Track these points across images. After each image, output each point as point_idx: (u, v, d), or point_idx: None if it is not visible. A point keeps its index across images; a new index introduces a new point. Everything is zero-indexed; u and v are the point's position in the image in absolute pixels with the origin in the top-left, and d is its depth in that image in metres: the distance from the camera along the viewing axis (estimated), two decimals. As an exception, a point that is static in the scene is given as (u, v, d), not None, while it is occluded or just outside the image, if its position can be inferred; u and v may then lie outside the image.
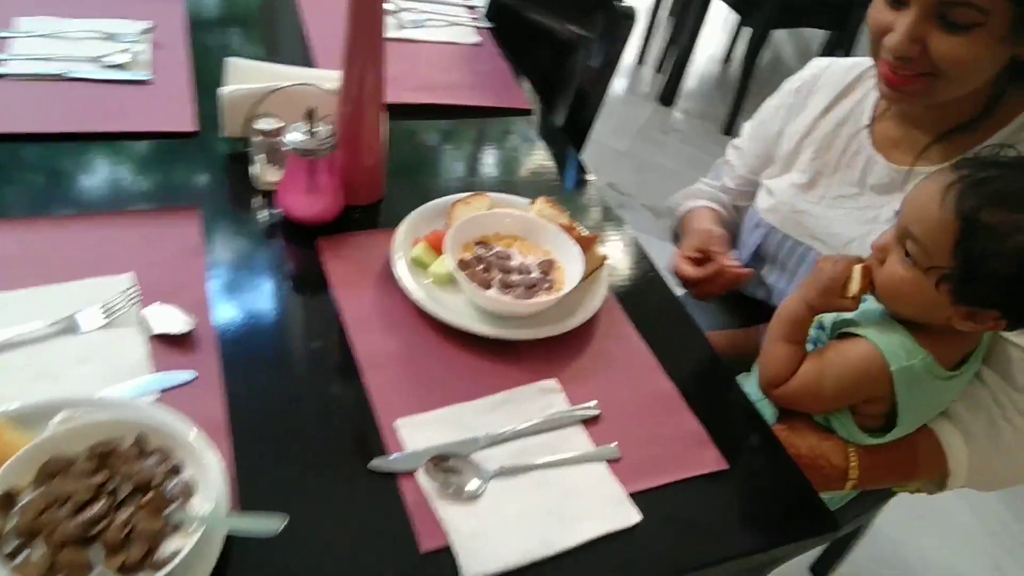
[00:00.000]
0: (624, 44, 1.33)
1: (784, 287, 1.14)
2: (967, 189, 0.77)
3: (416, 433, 0.77)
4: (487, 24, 1.50)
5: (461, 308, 0.91)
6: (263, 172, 1.01)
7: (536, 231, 0.98)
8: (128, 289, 0.84)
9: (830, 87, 1.11)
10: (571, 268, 0.93)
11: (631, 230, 1.13)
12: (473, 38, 1.46)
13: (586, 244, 0.95)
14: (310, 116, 0.92)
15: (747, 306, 1.26)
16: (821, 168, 1.09)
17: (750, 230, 1.17)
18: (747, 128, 1.24)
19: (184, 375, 0.77)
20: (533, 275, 0.93)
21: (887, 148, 1.04)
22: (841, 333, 0.92)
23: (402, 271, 0.92)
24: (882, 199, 1.03)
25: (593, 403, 0.84)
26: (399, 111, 1.20)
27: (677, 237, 1.27)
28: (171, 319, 0.81)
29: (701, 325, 1.02)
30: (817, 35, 3.92)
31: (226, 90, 1.02)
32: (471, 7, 1.55)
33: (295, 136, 0.92)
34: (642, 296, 1.01)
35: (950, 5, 0.84)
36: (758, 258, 1.17)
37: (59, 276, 0.85)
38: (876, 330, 0.88)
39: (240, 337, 0.84)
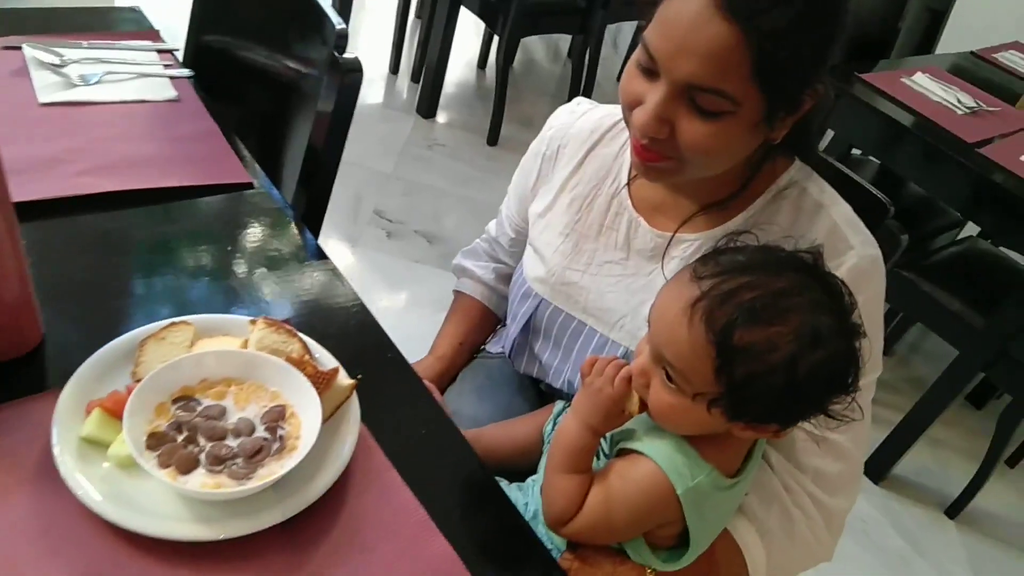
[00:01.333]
0: (355, 94, 1.14)
1: (560, 366, 1.02)
2: (714, 308, 0.68)
3: None
4: (186, 73, 1.24)
5: (162, 501, 0.68)
6: None
7: (257, 368, 0.76)
8: None
9: (580, 144, 1.00)
10: (307, 415, 0.73)
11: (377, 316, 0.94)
12: (168, 92, 1.19)
13: (324, 381, 0.75)
14: None
15: (521, 384, 1.14)
16: (584, 231, 0.98)
17: (519, 300, 1.04)
18: (511, 183, 1.12)
19: None
20: (257, 435, 0.72)
21: (648, 211, 0.94)
22: (621, 449, 0.80)
23: (67, 460, 0.67)
24: (650, 265, 0.94)
25: (352, 602, 0.65)
26: (65, 206, 0.93)
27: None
28: None
29: (471, 412, 0.86)
30: (567, 36, 3.97)
31: None
32: (164, 51, 1.28)
33: None
34: (395, 411, 0.83)
35: (699, 90, 0.74)
36: (530, 331, 1.04)
37: None
38: (656, 443, 0.77)
39: None
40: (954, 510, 2.13)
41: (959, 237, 2.44)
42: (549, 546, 0.83)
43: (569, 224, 0.99)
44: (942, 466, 2.28)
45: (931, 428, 2.26)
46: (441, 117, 3.21)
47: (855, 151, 2.63)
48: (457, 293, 1.20)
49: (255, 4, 1.34)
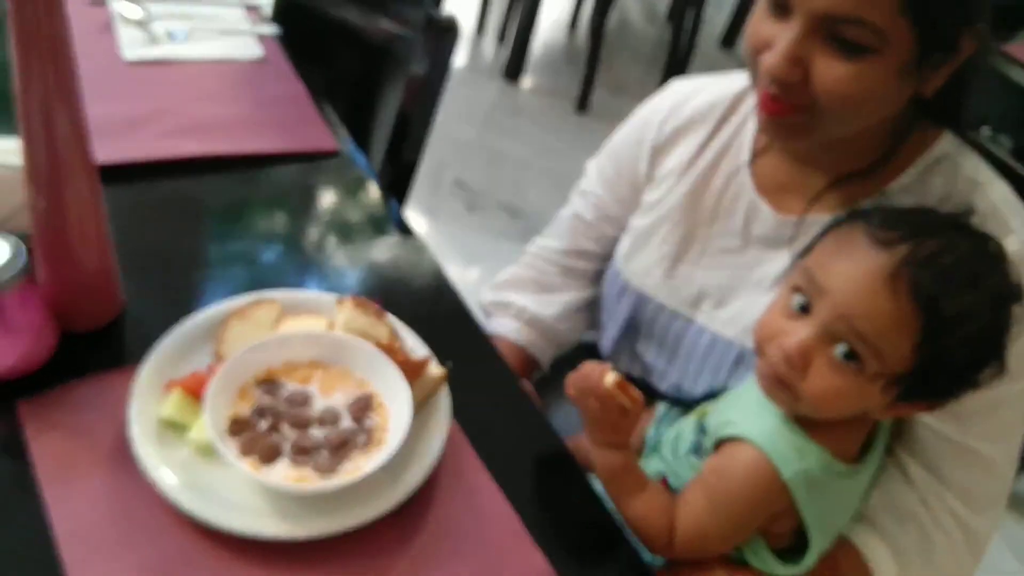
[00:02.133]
0: (450, 57, 1.06)
1: (665, 366, 0.92)
2: (919, 273, 0.61)
3: None
4: (274, 30, 1.18)
5: (242, 492, 0.63)
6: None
7: (344, 352, 0.71)
8: None
9: (701, 121, 0.89)
10: (396, 407, 0.67)
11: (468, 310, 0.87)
12: (255, 51, 1.14)
13: (414, 370, 0.69)
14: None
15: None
16: (697, 217, 0.88)
17: (615, 297, 0.94)
18: (595, 170, 0.98)
19: None
20: (342, 425, 0.66)
21: (772, 192, 0.84)
22: (720, 441, 0.72)
23: (143, 442, 0.63)
24: (769, 254, 0.84)
25: (440, 618, 0.60)
26: (146, 169, 0.89)
27: None
28: None
29: (568, 423, 0.80)
30: (663, -3, 3.79)
31: None
32: (251, 7, 1.23)
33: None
34: (491, 410, 0.76)
35: (839, 22, 0.65)
36: (631, 329, 0.94)
37: None
38: (755, 425, 0.70)
39: None
40: (1077, 529, 1.96)
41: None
42: (650, 557, 0.76)
43: (681, 210, 0.89)
44: (1061, 477, 2.09)
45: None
46: (527, 82, 3.11)
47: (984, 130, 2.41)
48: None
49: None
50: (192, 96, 1.02)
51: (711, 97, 0.89)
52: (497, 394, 0.79)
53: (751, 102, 0.85)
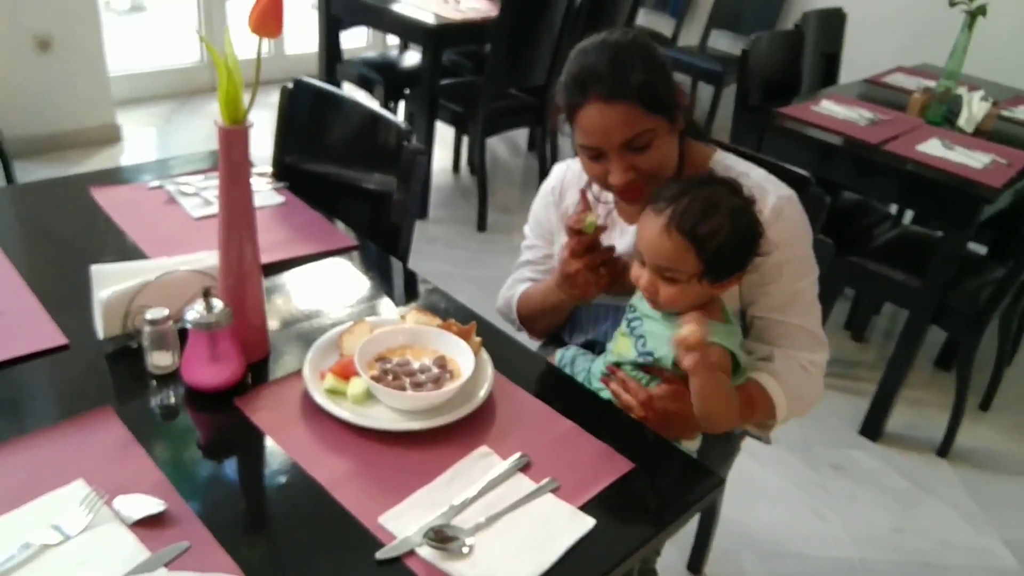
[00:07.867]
0: (423, 178, 1.56)
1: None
2: (679, 219, 1.10)
3: (400, 521, 0.90)
4: (283, 184, 1.67)
5: (386, 416, 1.05)
6: (157, 359, 1.08)
7: (421, 337, 1.15)
8: (89, 493, 0.88)
9: (577, 184, 1.40)
10: (462, 358, 1.12)
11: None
12: (277, 199, 1.61)
13: (465, 335, 1.14)
14: (207, 294, 1.03)
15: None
16: None
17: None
18: (528, 230, 1.50)
19: (179, 545, 0.83)
20: (435, 371, 1.09)
21: (629, 216, 1.36)
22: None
23: (324, 402, 1.05)
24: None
25: (519, 454, 1.02)
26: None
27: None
28: (143, 504, 0.87)
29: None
30: (521, 133, 4.52)
31: (104, 294, 1.09)
32: (261, 174, 1.70)
33: (196, 314, 1.02)
34: (511, 361, 1.21)
35: (632, 139, 1.16)
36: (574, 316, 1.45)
37: (8, 505, 0.87)
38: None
39: (212, 498, 0.91)
40: (943, 450, 2.48)
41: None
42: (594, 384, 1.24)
43: None
44: (926, 420, 2.63)
45: (911, 391, 2.62)
46: (432, 216, 3.66)
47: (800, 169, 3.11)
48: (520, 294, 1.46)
49: (328, 127, 1.78)
50: (251, 230, 1.47)
51: (576, 175, 1.41)
52: (506, 348, 1.24)
53: None
